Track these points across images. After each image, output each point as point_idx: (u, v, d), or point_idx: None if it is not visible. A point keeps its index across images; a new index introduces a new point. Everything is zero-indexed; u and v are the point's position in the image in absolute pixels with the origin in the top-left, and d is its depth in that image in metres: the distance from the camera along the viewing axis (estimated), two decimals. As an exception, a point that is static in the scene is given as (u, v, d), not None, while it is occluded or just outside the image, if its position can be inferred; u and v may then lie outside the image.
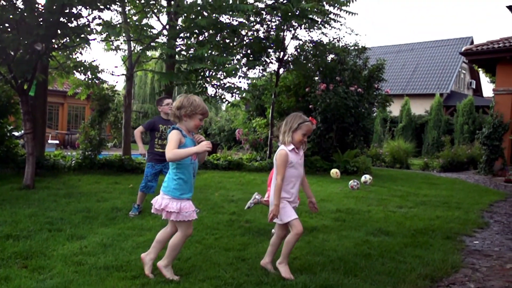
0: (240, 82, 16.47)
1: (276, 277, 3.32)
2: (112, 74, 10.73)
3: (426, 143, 23.04)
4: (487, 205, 7.63)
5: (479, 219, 6.30)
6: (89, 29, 8.35)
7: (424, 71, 29.58)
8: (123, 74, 11.32)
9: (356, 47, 13.56)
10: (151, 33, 10.06)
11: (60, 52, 10.19)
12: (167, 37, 9.95)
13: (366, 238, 4.79)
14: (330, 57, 13.26)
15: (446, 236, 5.07)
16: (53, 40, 7.48)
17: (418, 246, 4.56)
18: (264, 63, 12.59)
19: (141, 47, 10.62)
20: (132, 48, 11.40)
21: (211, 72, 9.45)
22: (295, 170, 3.43)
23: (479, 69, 17.54)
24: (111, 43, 11.36)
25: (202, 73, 9.26)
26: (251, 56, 12.07)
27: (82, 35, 7.69)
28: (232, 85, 9.93)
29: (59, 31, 6.99)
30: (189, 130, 3.29)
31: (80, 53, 11.16)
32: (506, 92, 13.47)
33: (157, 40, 10.14)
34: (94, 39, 10.08)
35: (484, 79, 32.59)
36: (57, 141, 19.33)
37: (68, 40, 8.51)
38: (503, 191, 9.92)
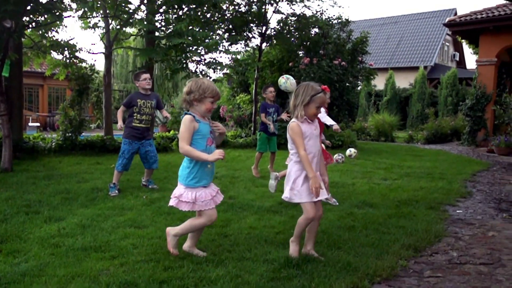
0: (221, 57, 16.22)
1: (259, 253, 3.28)
2: (89, 52, 10.40)
3: (410, 116, 23.16)
4: (470, 175, 7.69)
5: (462, 188, 6.34)
6: (62, 5, 8.04)
7: (408, 44, 29.51)
8: (101, 52, 10.99)
9: (339, 20, 13.38)
10: (128, 9, 9.72)
11: (34, 31, 9.83)
12: (145, 13, 9.64)
13: (350, 210, 4.77)
14: (314, 31, 13.07)
15: (429, 206, 5.09)
16: (24, 18, 7.18)
17: (402, 217, 4.56)
18: (246, 38, 12.36)
19: (118, 25, 10.29)
20: (110, 25, 11.05)
21: (191, 48, 9.21)
22: (312, 141, 3.16)
23: (463, 40, 17.51)
24: (88, 20, 10.99)
25: (182, 49, 9.02)
26: (233, 31, 11.82)
27: (55, 12, 7.40)
28: (214, 61, 9.72)
29: (29, 7, 6.68)
30: (202, 114, 3.14)
31: (56, 31, 10.79)
32: (489, 63, 13.49)
33: (135, 16, 9.83)
34: (69, 16, 9.75)
35: (467, 51, 32.78)
36: (38, 124, 18.92)
37: (40, 18, 8.19)
38: (485, 161, 10.03)
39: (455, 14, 28.87)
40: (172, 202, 3.16)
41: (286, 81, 5.95)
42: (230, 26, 11.90)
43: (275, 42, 12.71)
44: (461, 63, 32.33)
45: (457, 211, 5.01)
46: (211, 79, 11.37)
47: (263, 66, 13.01)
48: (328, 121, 5.28)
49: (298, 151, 3.11)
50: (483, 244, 3.81)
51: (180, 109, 22.94)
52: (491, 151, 11.85)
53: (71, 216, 4.27)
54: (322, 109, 5.03)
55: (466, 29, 14.10)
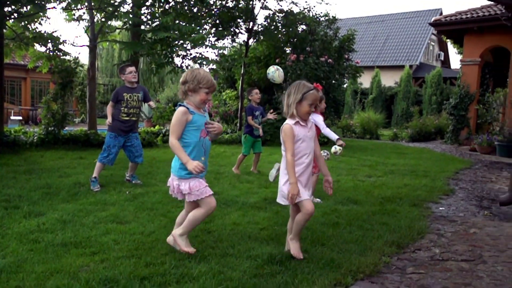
0: (208, 52, 16.10)
1: (242, 249, 3.25)
2: (73, 45, 10.22)
3: (395, 114, 23.35)
4: (453, 173, 7.78)
5: (445, 186, 6.41)
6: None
7: (394, 43, 29.72)
8: (85, 45, 10.81)
9: (326, 18, 13.39)
10: (114, 2, 9.58)
11: (17, 22, 9.61)
12: (131, 6, 9.50)
13: (335, 207, 4.77)
14: (301, 27, 13.06)
15: (413, 204, 5.13)
16: (6, 8, 7.01)
17: (386, 213, 4.59)
18: (233, 33, 12.29)
19: (103, 17, 10.13)
20: (95, 18, 10.87)
21: (177, 42, 9.13)
22: (304, 143, 3.13)
23: (448, 40, 17.71)
24: (72, 13, 10.78)
25: (167, 43, 8.92)
26: (220, 26, 11.74)
27: (38, 2, 7.24)
28: (200, 55, 9.64)
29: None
30: (197, 105, 3.09)
31: (40, 23, 10.57)
32: (472, 63, 13.65)
33: (121, 9, 9.69)
34: (53, 8, 9.56)
35: (452, 50, 33.11)
36: (20, 117, 18.57)
37: (23, 8, 8.02)
38: (468, 159, 10.16)
39: (441, 14, 29.17)
40: (170, 191, 3.19)
41: (275, 71, 5.90)
42: (217, 21, 11.81)
43: (262, 38, 12.67)
44: (446, 62, 32.70)
45: (440, 208, 5.06)
46: None
47: (250, 62, 12.96)
48: (331, 135, 5.24)
49: (286, 154, 3.10)
50: (465, 241, 3.85)
51: (166, 104, 22.76)
52: (474, 150, 12.02)
53: (52, 211, 4.18)
54: (321, 119, 5.02)
55: (451, 29, 14.25)
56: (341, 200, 5.11)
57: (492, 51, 14.16)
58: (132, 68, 5.62)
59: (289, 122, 3.14)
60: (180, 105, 3.06)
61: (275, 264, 2.98)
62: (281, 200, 3.20)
